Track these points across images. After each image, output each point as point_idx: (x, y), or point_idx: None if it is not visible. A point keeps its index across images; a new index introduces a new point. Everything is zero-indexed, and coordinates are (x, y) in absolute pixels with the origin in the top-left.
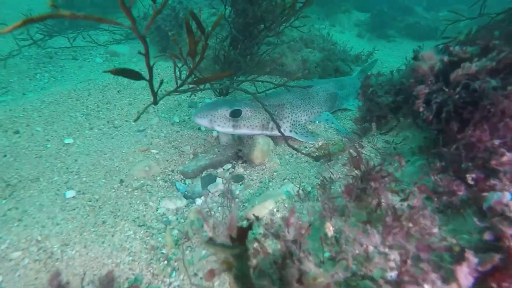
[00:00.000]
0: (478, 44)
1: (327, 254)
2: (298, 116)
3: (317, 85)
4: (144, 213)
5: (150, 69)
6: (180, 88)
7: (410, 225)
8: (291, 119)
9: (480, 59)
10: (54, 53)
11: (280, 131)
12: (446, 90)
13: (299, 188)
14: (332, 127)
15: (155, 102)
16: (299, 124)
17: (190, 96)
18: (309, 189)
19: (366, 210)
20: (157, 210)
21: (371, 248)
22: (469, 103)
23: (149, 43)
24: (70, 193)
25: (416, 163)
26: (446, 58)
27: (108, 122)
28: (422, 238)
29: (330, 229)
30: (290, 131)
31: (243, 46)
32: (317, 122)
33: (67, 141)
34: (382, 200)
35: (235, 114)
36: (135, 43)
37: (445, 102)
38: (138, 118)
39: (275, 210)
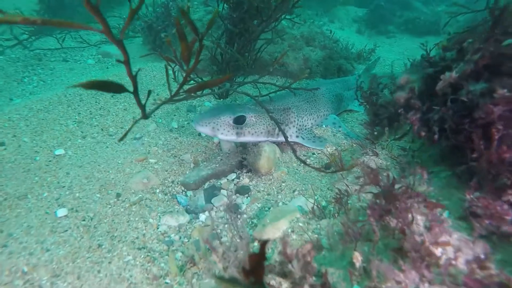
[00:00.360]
0: (453, 48)
1: None
2: (305, 120)
3: (323, 86)
4: (144, 232)
5: (134, 78)
6: (176, 97)
7: (451, 254)
8: (297, 124)
9: (459, 64)
10: (43, 55)
11: (287, 141)
12: (437, 108)
13: (314, 204)
14: (340, 131)
15: (145, 116)
16: (305, 129)
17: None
18: (323, 203)
19: (393, 235)
20: (157, 228)
21: (409, 284)
22: (465, 116)
23: (142, 44)
24: (61, 212)
25: (441, 175)
26: (430, 71)
27: (102, 129)
28: (471, 272)
29: (358, 259)
30: (297, 136)
31: (240, 43)
32: (323, 126)
33: (57, 152)
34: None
35: (239, 121)
36: (130, 43)
37: (443, 119)
38: (123, 137)
39: (289, 231)
